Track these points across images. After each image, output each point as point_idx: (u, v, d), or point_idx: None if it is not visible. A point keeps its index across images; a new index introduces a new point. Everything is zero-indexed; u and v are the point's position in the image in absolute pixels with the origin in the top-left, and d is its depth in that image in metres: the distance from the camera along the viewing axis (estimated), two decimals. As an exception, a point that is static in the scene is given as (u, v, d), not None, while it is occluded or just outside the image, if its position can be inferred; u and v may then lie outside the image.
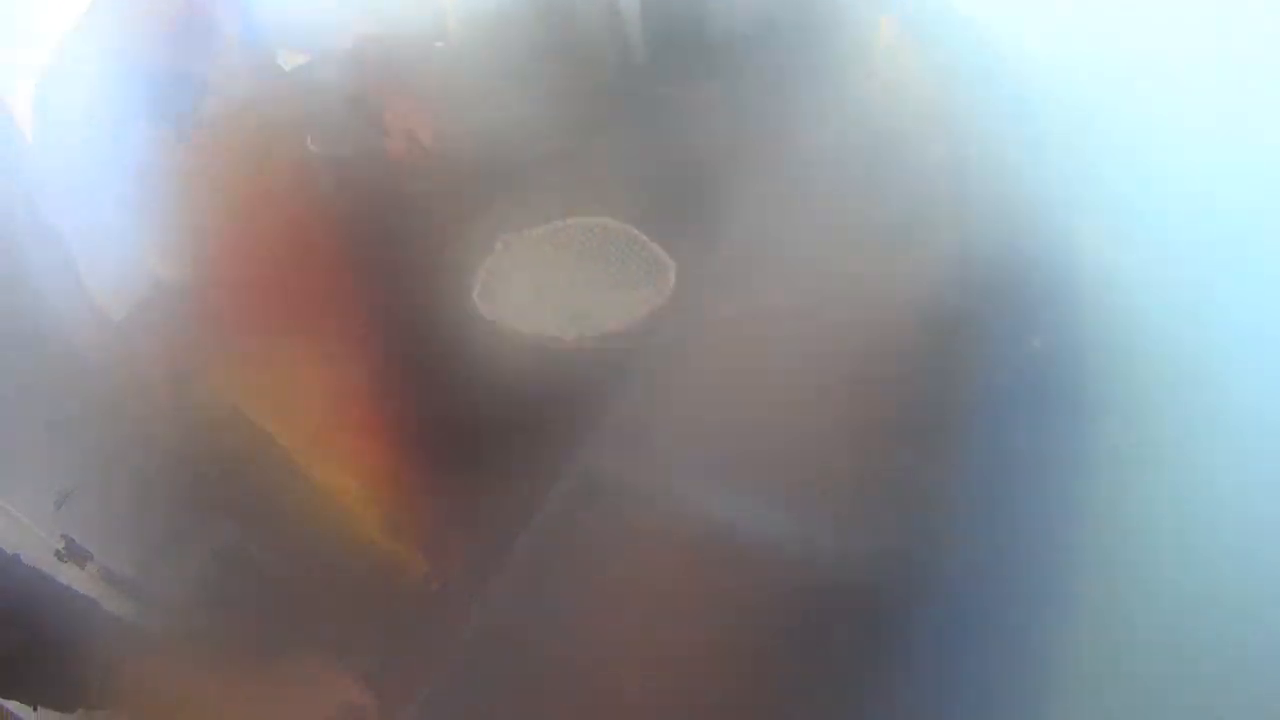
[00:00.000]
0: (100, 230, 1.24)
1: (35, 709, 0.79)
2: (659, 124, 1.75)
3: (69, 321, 1.45)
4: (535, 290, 1.55)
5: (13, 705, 0.78)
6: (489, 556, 1.85)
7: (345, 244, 1.56)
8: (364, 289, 1.61)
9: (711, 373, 1.47)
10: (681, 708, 1.12)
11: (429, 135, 1.48)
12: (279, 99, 1.57)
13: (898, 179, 1.59)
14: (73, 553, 1.33)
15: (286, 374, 1.49)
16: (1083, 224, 1.30)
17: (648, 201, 1.82)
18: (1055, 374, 1.10)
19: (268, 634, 1.69)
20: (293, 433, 1.59)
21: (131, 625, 0.88)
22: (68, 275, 1.26)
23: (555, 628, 1.22)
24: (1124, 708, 1.19)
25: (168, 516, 1.57)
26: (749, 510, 1.26)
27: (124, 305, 1.30)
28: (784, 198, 1.66)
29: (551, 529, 1.29)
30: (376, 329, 1.65)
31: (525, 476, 1.38)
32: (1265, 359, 1.33)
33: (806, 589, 1.20)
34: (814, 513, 1.26)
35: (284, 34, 1.65)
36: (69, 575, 1.32)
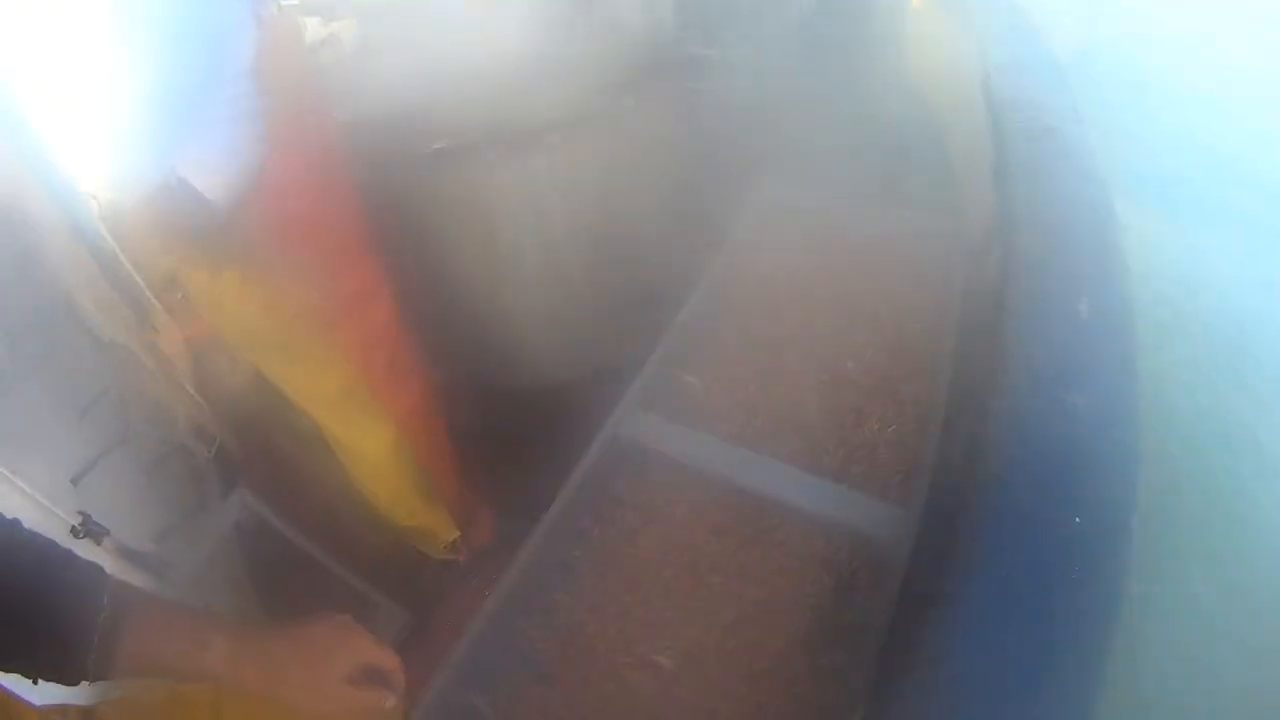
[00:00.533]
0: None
1: (36, 682, 0.76)
2: (688, 84, 1.73)
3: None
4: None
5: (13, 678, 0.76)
6: (517, 527, 1.87)
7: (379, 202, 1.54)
8: (395, 252, 1.60)
9: (743, 341, 1.44)
10: (710, 681, 1.09)
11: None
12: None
13: (928, 145, 1.56)
14: (89, 529, 1.32)
15: (313, 331, 1.46)
16: (1124, 200, 1.27)
17: (677, 160, 1.85)
18: (1101, 351, 1.06)
19: (287, 603, 1.70)
20: (318, 396, 1.55)
21: (136, 589, 0.83)
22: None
23: (583, 598, 1.19)
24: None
25: (187, 489, 1.56)
26: (780, 482, 1.23)
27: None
28: (810, 161, 1.63)
29: (581, 499, 1.26)
30: (406, 290, 1.65)
31: (556, 446, 1.36)
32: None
33: (837, 563, 1.17)
34: (848, 486, 1.22)
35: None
36: (85, 550, 1.32)
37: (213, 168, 1.25)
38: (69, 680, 0.76)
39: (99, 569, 0.81)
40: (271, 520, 1.52)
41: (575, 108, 1.58)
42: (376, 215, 1.49)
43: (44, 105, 1.20)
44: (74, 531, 1.29)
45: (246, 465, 1.63)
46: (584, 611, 1.18)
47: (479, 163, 1.60)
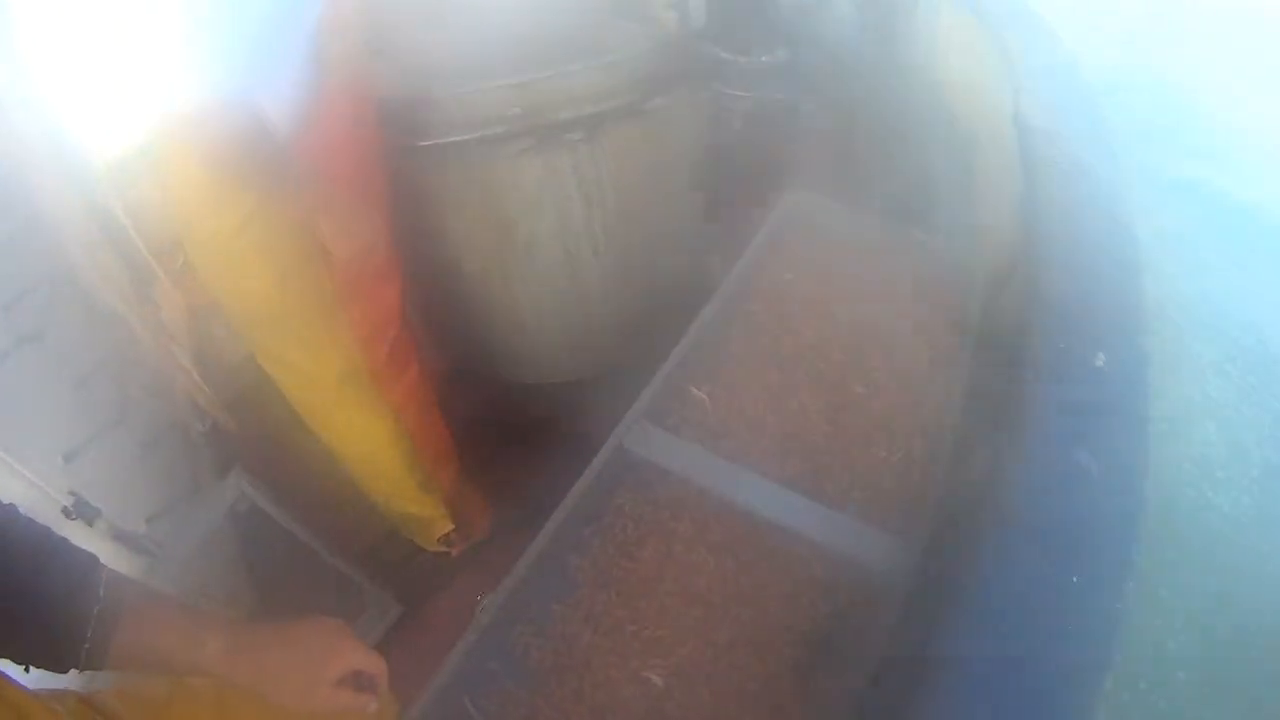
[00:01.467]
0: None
1: (27, 669, 0.76)
2: (717, 89, 1.70)
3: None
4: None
5: (4, 664, 0.75)
6: (512, 522, 1.86)
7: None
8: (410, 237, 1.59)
9: (753, 357, 1.42)
10: (700, 700, 1.09)
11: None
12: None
13: (954, 169, 1.54)
14: (81, 510, 1.31)
15: (323, 306, 1.44)
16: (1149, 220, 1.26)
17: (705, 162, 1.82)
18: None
19: (280, 589, 1.70)
20: (317, 378, 1.52)
21: (132, 582, 0.83)
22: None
23: (579, 609, 1.18)
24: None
25: (182, 469, 1.54)
26: (782, 505, 1.22)
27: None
28: (835, 177, 1.61)
29: (583, 508, 1.24)
30: (418, 277, 1.63)
31: (556, 444, 1.35)
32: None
33: (834, 590, 1.17)
34: (849, 514, 1.22)
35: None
36: (76, 532, 1.30)
37: (275, 96, 1.24)
38: (60, 668, 0.76)
39: (94, 559, 0.81)
40: (266, 505, 1.50)
41: (603, 105, 1.56)
42: (395, 200, 1.48)
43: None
44: (65, 512, 1.27)
45: (243, 444, 1.62)
46: (579, 622, 1.17)
47: (501, 155, 1.58)
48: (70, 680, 0.81)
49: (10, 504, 0.79)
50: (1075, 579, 0.91)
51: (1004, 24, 1.58)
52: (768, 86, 1.67)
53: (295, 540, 1.57)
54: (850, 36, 1.67)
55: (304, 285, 1.40)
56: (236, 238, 1.34)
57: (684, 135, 1.76)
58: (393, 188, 1.52)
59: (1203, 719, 1.77)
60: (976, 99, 1.53)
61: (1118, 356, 1.07)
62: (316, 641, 0.89)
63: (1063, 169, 1.30)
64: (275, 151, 1.26)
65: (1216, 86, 3.43)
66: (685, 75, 1.65)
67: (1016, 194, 1.30)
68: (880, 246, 1.59)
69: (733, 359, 1.42)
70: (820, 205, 1.61)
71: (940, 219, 1.57)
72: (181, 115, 1.24)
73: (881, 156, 1.60)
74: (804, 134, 1.68)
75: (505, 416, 2.04)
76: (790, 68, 1.67)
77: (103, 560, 0.82)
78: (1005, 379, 1.11)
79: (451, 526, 1.83)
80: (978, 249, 1.47)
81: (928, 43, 1.64)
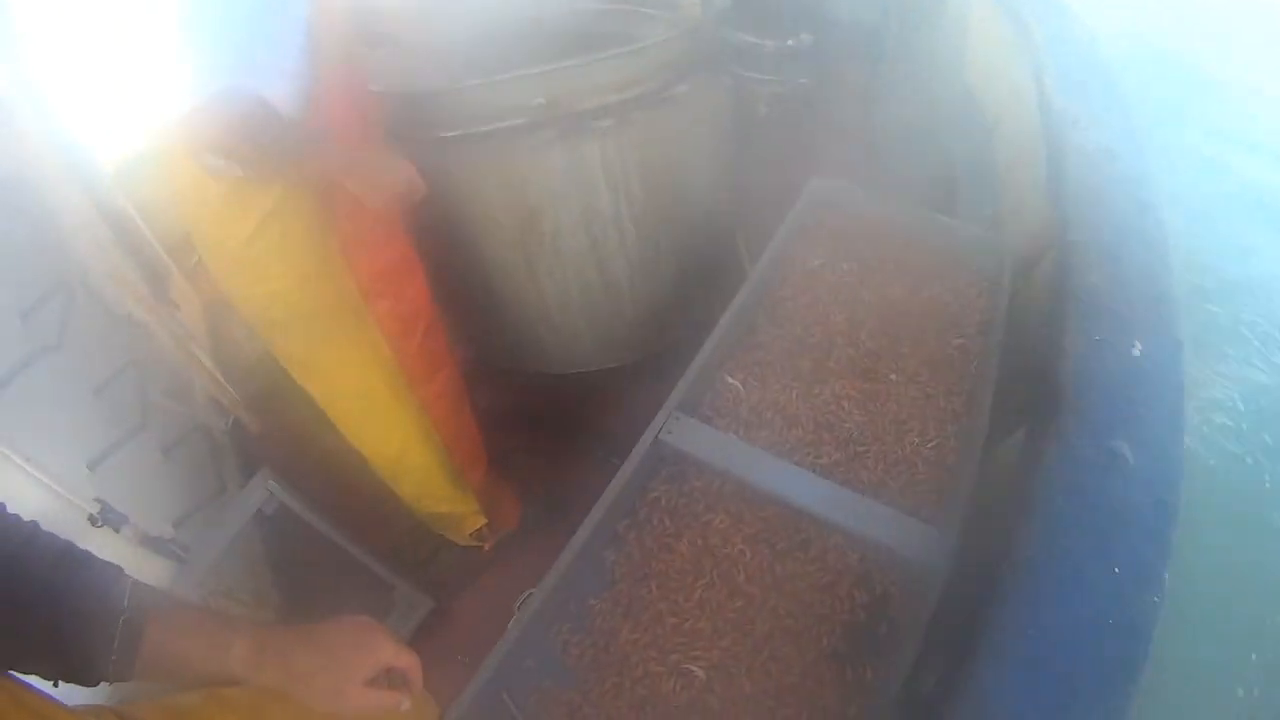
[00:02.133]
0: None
1: (56, 684, 0.75)
2: (742, 74, 1.68)
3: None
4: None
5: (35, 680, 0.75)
6: (542, 520, 1.85)
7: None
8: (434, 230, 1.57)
9: (785, 345, 1.41)
10: (741, 692, 1.09)
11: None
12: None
13: (980, 154, 1.53)
14: (107, 516, 1.29)
15: (348, 301, 1.42)
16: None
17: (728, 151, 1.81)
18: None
19: (308, 589, 1.68)
20: (344, 375, 1.50)
21: (156, 590, 0.82)
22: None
23: (618, 604, 1.18)
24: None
25: (207, 471, 1.53)
26: (817, 495, 1.21)
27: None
28: (862, 162, 1.59)
29: (620, 503, 1.23)
30: (445, 269, 1.62)
31: (588, 436, 1.34)
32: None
33: (871, 579, 1.17)
34: (884, 503, 1.21)
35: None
36: (103, 539, 1.29)
37: (277, 81, 1.23)
38: (89, 682, 0.75)
39: (118, 570, 0.80)
40: (293, 505, 1.49)
41: (627, 93, 1.54)
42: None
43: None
44: (92, 520, 1.26)
45: (266, 443, 1.60)
46: (618, 617, 1.17)
47: (526, 145, 1.57)
48: (102, 694, 0.81)
49: (33, 521, 0.78)
50: (1116, 569, 0.92)
51: (1024, 4, 1.57)
52: (792, 71, 1.66)
53: (324, 539, 1.55)
54: (873, 20, 1.66)
55: (326, 285, 1.38)
56: (252, 242, 1.31)
57: (709, 121, 1.74)
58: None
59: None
60: (999, 81, 1.52)
61: (1153, 344, 1.07)
62: (345, 640, 0.88)
63: (1088, 152, 1.30)
64: (283, 139, 1.24)
65: (1240, 65, 3.42)
66: (709, 61, 1.63)
67: (1042, 179, 1.30)
68: (908, 231, 1.58)
69: (764, 347, 1.41)
70: (847, 190, 1.60)
71: (965, 204, 1.57)
72: (183, 113, 1.22)
73: (906, 140, 1.58)
74: (829, 118, 1.66)
75: (533, 408, 2.03)
76: (815, 52, 1.65)
77: (130, 567, 0.81)
78: (1037, 365, 1.11)
79: (484, 521, 1.82)
80: (1005, 234, 1.46)
81: (950, 26, 1.63)
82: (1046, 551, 0.93)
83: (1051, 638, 0.87)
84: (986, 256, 1.52)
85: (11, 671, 0.73)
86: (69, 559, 0.77)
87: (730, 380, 1.34)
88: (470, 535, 1.83)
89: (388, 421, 1.57)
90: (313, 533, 1.54)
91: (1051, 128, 1.32)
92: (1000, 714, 0.82)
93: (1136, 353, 1.07)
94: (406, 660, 0.91)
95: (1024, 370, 1.21)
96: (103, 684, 0.76)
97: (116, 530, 1.31)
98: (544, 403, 1.97)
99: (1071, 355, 1.08)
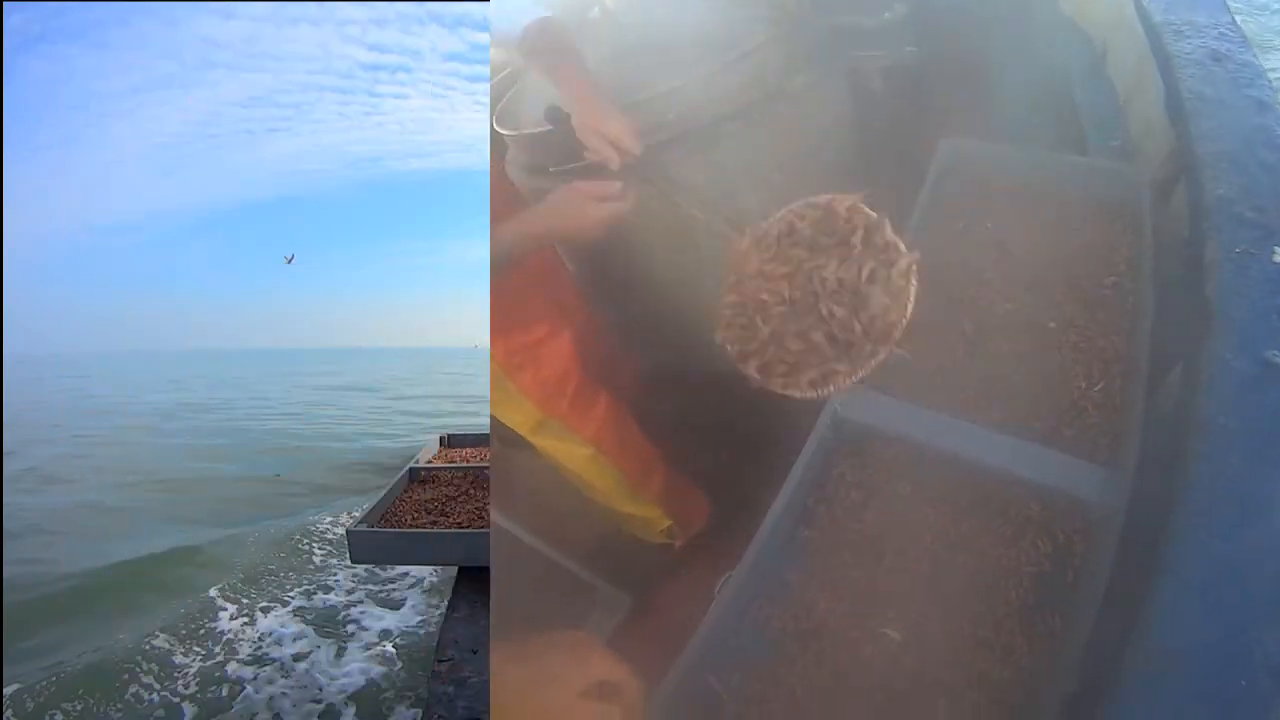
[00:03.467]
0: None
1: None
2: (849, 53, 1.72)
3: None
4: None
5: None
6: (732, 513, 1.89)
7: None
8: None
9: (944, 306, 1.43)
10: (937, 651, 1.12)
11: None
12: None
13: (1094, 84, 1.49)
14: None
15: (498, 372, 1.55)
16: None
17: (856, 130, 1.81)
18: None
19: (513, 601, 1.80)
20: (514, 423, 1.64)
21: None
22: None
23: (814, 576, 1.23)
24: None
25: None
26: (993, 449, 1.23)
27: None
28: (982, 113, 1.58)
29: (806, 480, 1.28)
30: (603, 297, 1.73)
31: (763, 425, 1.38)
32: None
33: (1052, 528, 1.18)
34: (1059, 450, 1.21)
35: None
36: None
37: None
38: None
39: None
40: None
41: (749, 96, 1.59)
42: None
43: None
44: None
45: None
46: (815, 589, 1.22)
47: (668, 157, 1.62)
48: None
49: None
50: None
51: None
52: (897, 41, 1.66)
53: (528, 547, 1.69)
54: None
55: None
56: None
57: (831, 105, 1.76)
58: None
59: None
60: (1096, 5, 1.46)
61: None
62: (559, 658, 0.92)
63: (1196, 60, 1.24)
64: None
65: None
66: (818, 49, 1.66)
67: (1159, 98, 1.25)
68: (1043, 176, 1.56)
69: (925, 311, 1.42)
70: (976, 148, 1.60)
71: (1093, 139, 1.52)
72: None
73: (1021, 88, 1.55)
74: (943, 81, 1.65)
75: (708, 409, 2.08)
76: (912, 20, 1.65)
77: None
78: (1187, 289, 1.08)
79: (669, 523, 1.89)
80: (1137, 163, 1.42)
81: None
82: (1213, 471, 0.92)
83: (1224, 561, 0.87)
84: (1125, 189, 1.49)
85: None
86: None
87: (897, 349, 1.37)
88: (661, 533, 1.91)
89: (560, 455, 1.72)
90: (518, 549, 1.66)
91: (1156, 43, 1.27)
92: (1178, 643, 0.83)
93: (1278, 256, 1.04)
94: (618, 671, 0.94)
95: (1176, 296, 1.18)
96: None
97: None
98: (718, 403, 2.01)
99: (1215, 272, 1.06)
